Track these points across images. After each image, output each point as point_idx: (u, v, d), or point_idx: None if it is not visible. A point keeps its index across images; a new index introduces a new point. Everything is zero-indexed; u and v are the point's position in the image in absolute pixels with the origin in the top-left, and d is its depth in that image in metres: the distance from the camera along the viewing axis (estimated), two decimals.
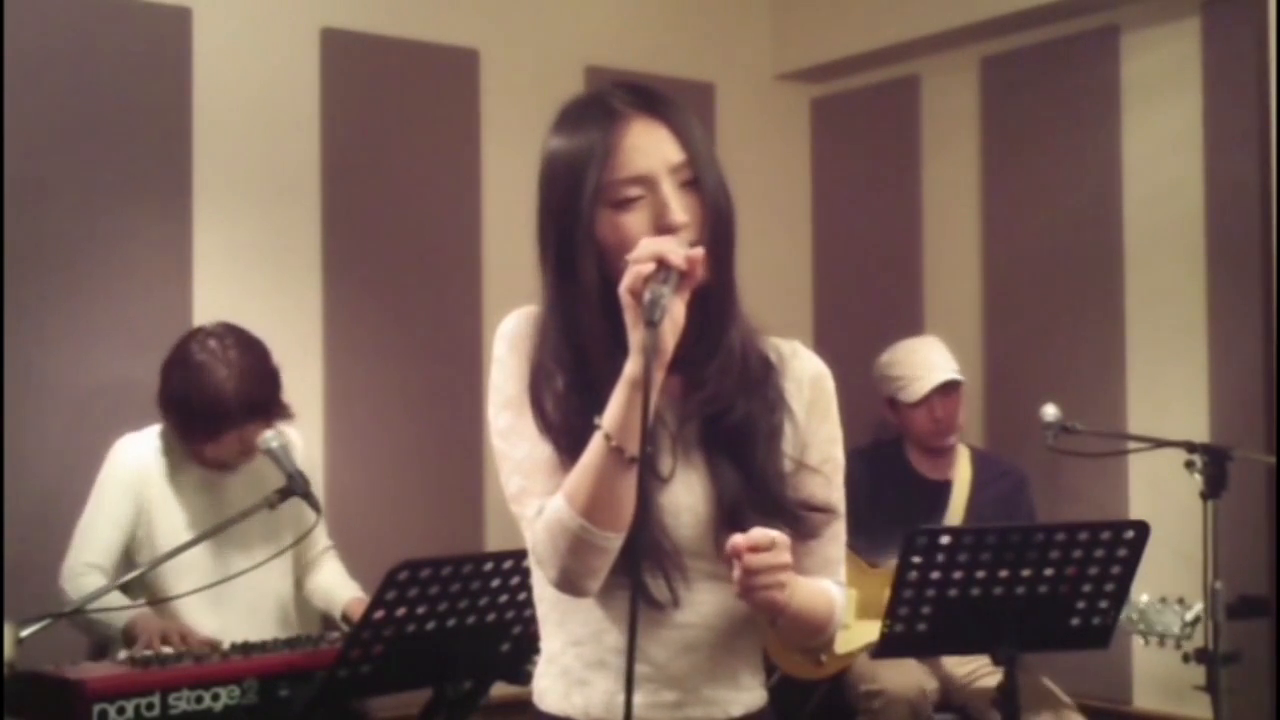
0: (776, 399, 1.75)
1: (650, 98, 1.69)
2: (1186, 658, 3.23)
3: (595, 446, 1.61)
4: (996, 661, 2.88)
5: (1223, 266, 4.24)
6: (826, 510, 1.77)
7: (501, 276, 4.56)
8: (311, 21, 4.32)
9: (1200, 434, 3.98)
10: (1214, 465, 3.20)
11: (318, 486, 3.04)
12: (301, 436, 3.27)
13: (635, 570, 1.60)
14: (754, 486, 1.70)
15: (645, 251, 1.56)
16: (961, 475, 3.86)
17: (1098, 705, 3.70)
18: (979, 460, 3.93)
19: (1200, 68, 4.30)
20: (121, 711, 2.48)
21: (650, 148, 1.66)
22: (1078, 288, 4.60)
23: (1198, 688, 3.21)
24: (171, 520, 3.12)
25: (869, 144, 5.28)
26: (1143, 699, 4.37)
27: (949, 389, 3.85)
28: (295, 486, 2.70)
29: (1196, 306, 4.30)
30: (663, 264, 1.55)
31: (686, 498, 1.70)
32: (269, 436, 2.79)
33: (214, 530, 2.63)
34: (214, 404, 2.98)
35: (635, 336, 1.56)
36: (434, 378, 4.44)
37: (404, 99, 4.46)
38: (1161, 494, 4.06)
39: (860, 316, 5.19)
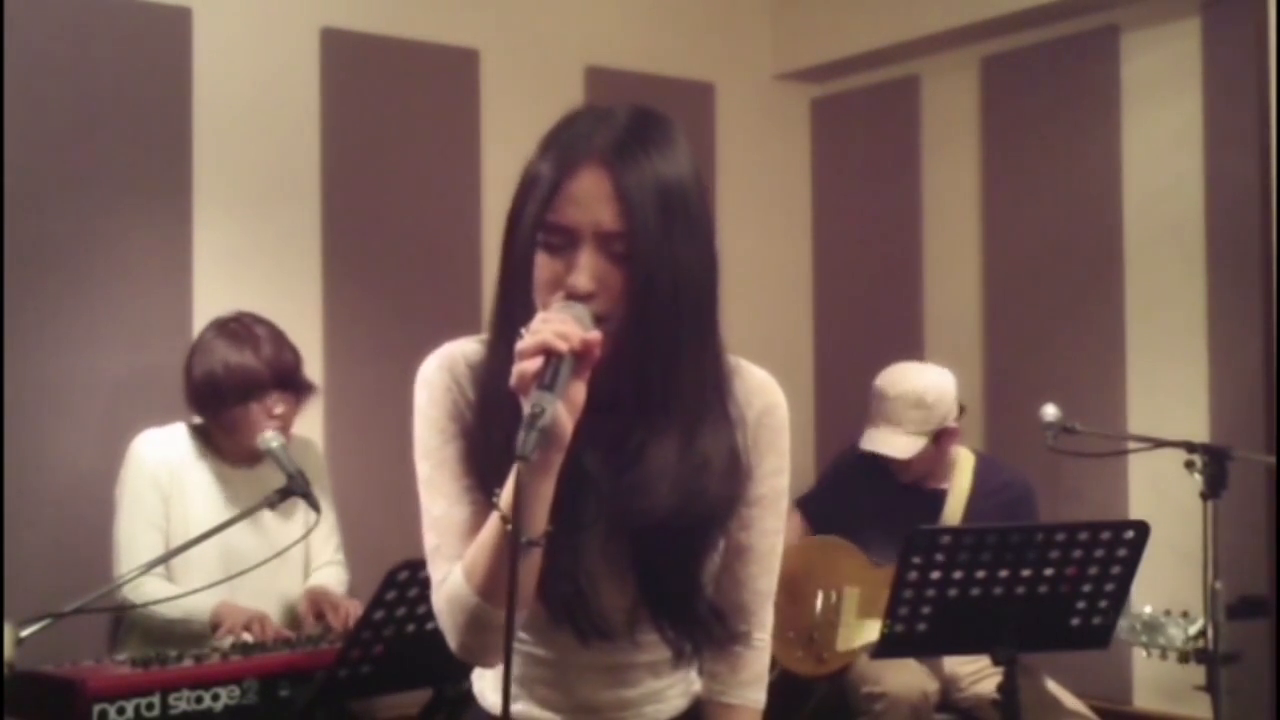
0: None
1: (624, 143, 1.51)
2: (1186, 658, 3.22)
3: (491, 527, 1.51)
4: (996, 662, 2.87)
5: (1223, 266, 4.24)
6: (737, 632, 1.69)
7: None
8: (311, 21, 4.32)
9: (1200, 434, 3.98)
10: (1214, 465, 3.19)
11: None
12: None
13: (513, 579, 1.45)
14: (678, 594, 1.62)
15: (531, 342, 1.41)
16: (959, 484, 3.68)
17: (1098, 705, 3.68)
18: (982, 468, 3.73)
19: (1200, 68, 4.30)
20: (121, 711, 2.48)
21: (586, 202, 1.49)
22: (1078, 288, 4.60)
23: (1198, 688, 3.21)
24: (195, 516, 3.11)
25: (869, 144, 5.28)
26: (1143, 699, 4.37)
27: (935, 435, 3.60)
28: (295, 486, 2.69)
29: (1196, 306, 4.30)
30: (550, 354, 1.40)
31: (610, 591, 1.62)
32: (268, 437, 2.79)
33: (213, 531, 2.62)
34: (243, 369, 3.02)
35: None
36: None
37: (404, 99, 4.46)
38: (1161, 494, 4.06)
39: (860, 316, 5.20)
